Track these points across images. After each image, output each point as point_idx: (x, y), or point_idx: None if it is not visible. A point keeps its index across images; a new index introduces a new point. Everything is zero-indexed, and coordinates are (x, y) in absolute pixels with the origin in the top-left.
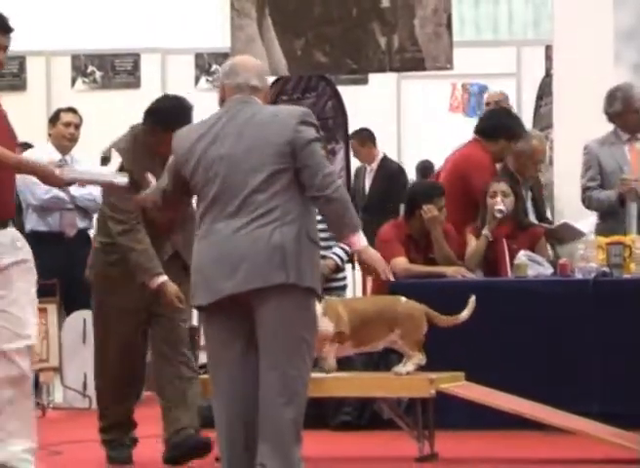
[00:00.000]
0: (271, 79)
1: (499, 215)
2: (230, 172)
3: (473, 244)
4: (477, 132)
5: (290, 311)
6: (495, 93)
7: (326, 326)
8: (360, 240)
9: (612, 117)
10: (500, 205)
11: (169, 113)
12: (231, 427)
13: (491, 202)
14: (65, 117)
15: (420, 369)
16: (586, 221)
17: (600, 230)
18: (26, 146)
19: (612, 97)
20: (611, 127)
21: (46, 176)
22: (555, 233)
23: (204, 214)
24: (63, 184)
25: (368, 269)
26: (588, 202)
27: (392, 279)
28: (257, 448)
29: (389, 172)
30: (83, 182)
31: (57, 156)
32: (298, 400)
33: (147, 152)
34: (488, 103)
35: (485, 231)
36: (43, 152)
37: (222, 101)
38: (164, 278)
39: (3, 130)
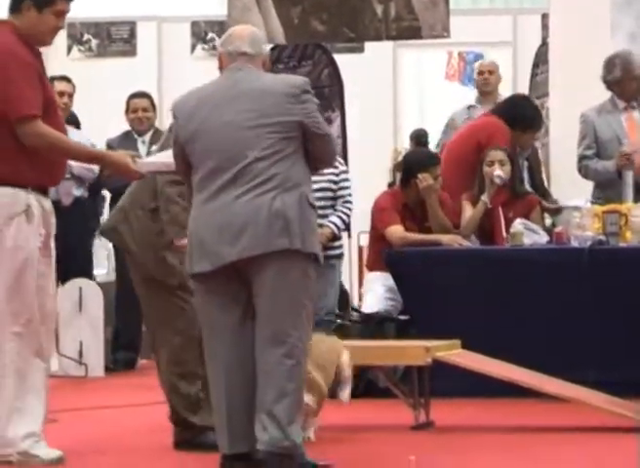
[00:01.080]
0: (268, 47)
1: (497, 181)
2: (231, 140)
3: (469, 211)
4: (496, 113)
5: (292, 277)
6: (488, 62)
7: (308, 400)
8: None
9: (610, 84)
10: (499, 171)
11: None
12: (231, 394)
13: (488, 170)
14: (59, 86)
15: (416, 337)
16: (582, 199)
17: (596, 198)
18: None
19: (611, 63)
20: (607, 95)
21: (124, 171)
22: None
23: (202, 182)
24: (139, 177)
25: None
26: (585, 171)
27: None
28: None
29: None
30: (155, 172)
31: None
32: (298, 369)
33: None
34: (481, 72)
35: (484, 197)
36: None
37: (221, 70)
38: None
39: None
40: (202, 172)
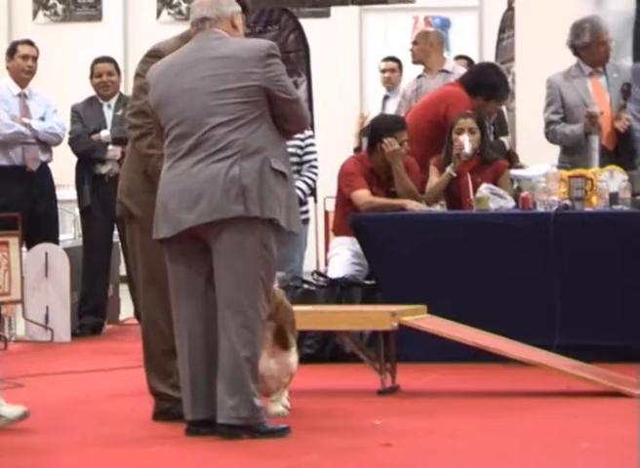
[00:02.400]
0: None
1: (464, 158)
2: (192, 107)
3: (435, 177)
4: (461, 81)
5: (248, 247)
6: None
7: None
8: None
9: (578, 49)
10: (467, 148)
11: None
12: (193, 360)
13: (457, 139)
14: (23, 50)
15: (382, 302)
16: (542, 166)
17: (563, 163)
18: None
19: (579, 28)
20: (573, 60)
21: None
22: None
23: (169, 148)
24: None
25: None
26: (552, 136)
27: None
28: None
29: None
30: None
31: (15, 90)
32: (253, 339)
33: None
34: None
35: (449, 169)
36: (1, 85)
37: None
38: None
39: None
40: (169, 138)
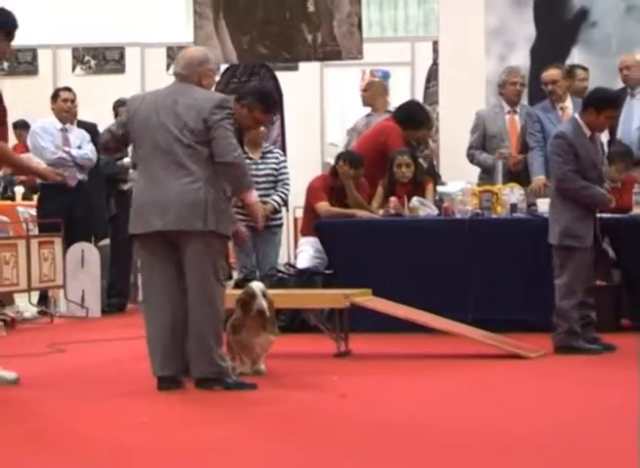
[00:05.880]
0: (224, 66)
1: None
2: (162, 136)
3: (380, 195)
4: (394, 116)
5: (208, 251)
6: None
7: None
8: (250, 196)
9: (499, 88)
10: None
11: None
12: (163, 333)
13: (397, 170)
14: (64, 95)
15: (338, 287)
16: (458, 183)
17: (481, 179)
18: (25, 125)
19: (505, 70)
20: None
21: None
22: None
23: (143, 161)
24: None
25: (251, 216)
26: (471, 158)
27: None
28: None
29: None
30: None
31: (58, 125)
32: (216, 313)
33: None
34: (365, 89)
35: (392, 199)
36: (48, 122)
37: None
38: None
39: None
40: (142, 152)
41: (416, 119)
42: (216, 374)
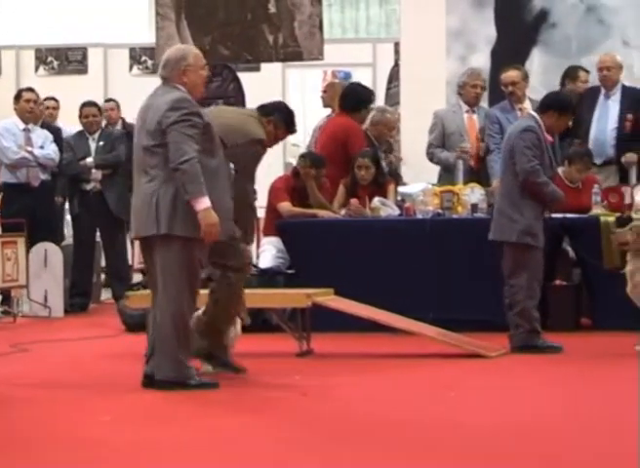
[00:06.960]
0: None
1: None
2: (136, 142)
3: (341, 195)
4: (341, 108)
5: (168, 255)
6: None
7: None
8: (197, 204)
9: (459, 88)
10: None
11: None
12: (151, 339)
13: (357, 172)
14: (26, 95)
15: (300, 286)
16: (419, 185)
17: (442, 181)
18: None
19: (467, 71)
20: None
21: None
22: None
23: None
24: None
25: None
26: (431, 157)
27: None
28: None
29: None
30: None
31: (21, 126)
32: (180, 315)
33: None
34: (325, 91)
35: (353, 200)
36: (10, 123)
37: None
38: None
39: None
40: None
41: (362, 98)
42: (177, 378)
